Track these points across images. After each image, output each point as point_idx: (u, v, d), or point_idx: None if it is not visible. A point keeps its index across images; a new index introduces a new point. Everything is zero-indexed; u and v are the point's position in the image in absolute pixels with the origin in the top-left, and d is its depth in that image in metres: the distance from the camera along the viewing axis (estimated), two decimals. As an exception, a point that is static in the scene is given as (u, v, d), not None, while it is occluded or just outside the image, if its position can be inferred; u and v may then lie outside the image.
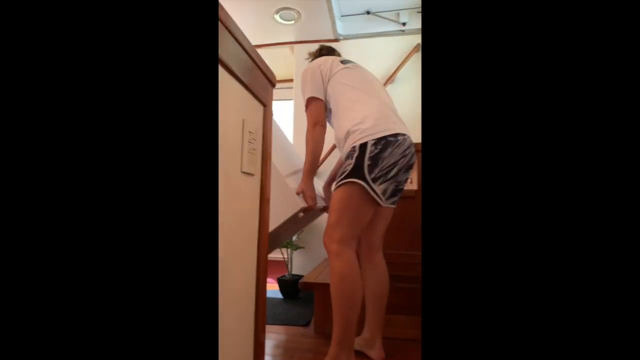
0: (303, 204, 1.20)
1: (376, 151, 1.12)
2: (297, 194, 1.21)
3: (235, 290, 0.61)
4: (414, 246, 1.47)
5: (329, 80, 1.30)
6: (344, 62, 1.34)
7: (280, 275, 2.23)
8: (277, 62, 2.61)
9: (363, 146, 1.13)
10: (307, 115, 1.31)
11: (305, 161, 1.28)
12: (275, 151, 1.22)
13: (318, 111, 1.29)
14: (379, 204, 1.14)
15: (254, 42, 2.21)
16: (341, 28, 2.34)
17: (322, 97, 1.29)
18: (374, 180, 1.11)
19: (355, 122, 1.17)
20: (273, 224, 1.14)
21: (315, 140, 1.27)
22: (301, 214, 1.25)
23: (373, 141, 1.12)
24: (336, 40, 2.35)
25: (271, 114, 0.80)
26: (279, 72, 2.63)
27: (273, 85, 0.82)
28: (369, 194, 1.11)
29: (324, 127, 1.30)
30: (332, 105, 1.29)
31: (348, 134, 1.19)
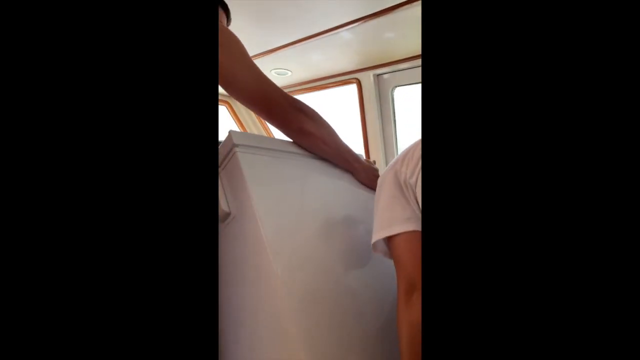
0: None
1: None
2: None
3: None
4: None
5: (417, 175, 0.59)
6: None
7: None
8: (404, 31, 1.39)
9: None
10: (398, 278, 0.59)
11: None
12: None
13: (411, 260, 0.56)
14: None
15: (370, 11, 1.38)
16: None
17: (414, 227, 0.58)
18: None
19: None
20: None
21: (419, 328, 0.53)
22: None
23: None
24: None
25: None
26: (406, 46, 1.50)
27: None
28: None
29: None
30: None
31: None
